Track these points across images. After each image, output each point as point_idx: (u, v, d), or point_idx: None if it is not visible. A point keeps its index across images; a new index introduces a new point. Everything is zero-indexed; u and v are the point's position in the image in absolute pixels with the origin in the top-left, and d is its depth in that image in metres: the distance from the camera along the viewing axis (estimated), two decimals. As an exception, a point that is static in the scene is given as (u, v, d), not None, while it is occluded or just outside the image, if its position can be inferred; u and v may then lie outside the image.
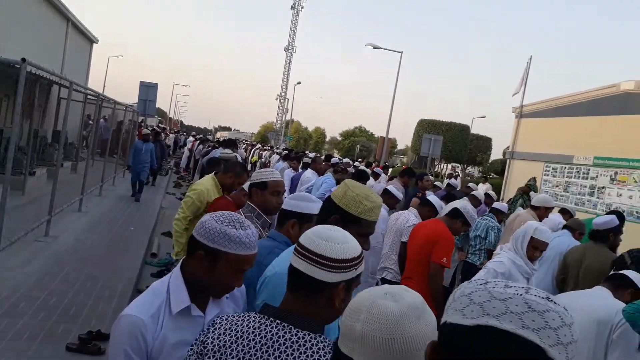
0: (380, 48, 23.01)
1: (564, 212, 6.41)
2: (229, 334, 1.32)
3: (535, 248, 3.57)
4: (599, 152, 14.93)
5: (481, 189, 7.18)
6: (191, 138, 21.35)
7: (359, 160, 25.39)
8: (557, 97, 17.54)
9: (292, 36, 61.41)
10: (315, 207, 2.24)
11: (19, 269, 5.48)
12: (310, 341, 1.27)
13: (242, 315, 1.37)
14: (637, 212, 13.30)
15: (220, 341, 1.31)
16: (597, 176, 14.94)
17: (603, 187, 14.61)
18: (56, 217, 7.31)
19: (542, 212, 5.94)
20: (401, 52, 23.27)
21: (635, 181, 13.56)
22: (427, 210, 4.91)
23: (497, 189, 20.03)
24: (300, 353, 1.25)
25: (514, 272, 3.51)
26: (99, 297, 5.08)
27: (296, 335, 1.27)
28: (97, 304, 4.89)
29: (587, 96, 16.00)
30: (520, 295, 0.76)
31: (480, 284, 0.80)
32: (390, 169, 18.11)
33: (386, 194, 5.34)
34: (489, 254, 5.77)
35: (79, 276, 5.56)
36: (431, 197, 5.22)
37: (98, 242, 7.15)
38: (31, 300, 4.69)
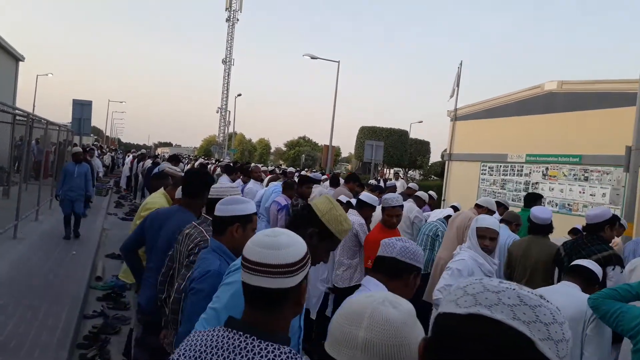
0: (318, 58, 23.31)
1: (498, 205, 6.72)
2: (194, 349, 1.32)
3: (483, 237, 3.59)
4: (530, 150, 15.79)
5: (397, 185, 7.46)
6: (130, 156, 20.69)
7: (306, 169, 25.51)
8: (488, 99, 18.42)
9: (229, 48, 60.93)
10: (250, 206, 2.34)
11: (-50, 304, 5.12)
12: (274, 352, 1.26)
13: (209, 330, 1.37)
14: (568, 204, 14.17)
15: (185, 357, 1.32)
16: (530, 172, 15.80)
17: (536, 183, 15.46)
18: (-12, 246, 6.88)
19: (484, 212, 6.22)
20: (338, 62, 23.70)
21: (565, 175, 14.46)
22: (368, 211, 5.11)
23: (439, 190, 20.75)
24: None
25: (476, 271, 3.51)
26: (42, 327, 4.83)
27: (258, 346, 1.26)
28: (39, 334, 4.65)
29: (516, 97, 16.92)
30: (513, 289, 0.78)
31: (476, 279, 0.83)
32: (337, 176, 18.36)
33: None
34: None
35: (18, 307, 5.26)
36: (363, 195, 5.36)
37: (37, 269, 6.79)
38: (-34, 336, 4.40)
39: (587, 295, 2.86)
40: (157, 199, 4.23)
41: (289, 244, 1.32)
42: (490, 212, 6.20)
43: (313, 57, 23.22)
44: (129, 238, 3.51)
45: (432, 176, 27.97)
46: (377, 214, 6.26)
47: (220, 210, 2.29)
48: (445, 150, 20.83)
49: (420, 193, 7.63)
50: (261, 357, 1.25)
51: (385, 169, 36.03)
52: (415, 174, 40.08)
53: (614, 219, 4.53)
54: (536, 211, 4.73)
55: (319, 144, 63.08)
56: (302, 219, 2.01)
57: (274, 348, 1.26)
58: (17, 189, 8.90)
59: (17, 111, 9.36)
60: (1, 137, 9.48)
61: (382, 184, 11.00)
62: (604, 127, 12.89)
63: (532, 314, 0.74)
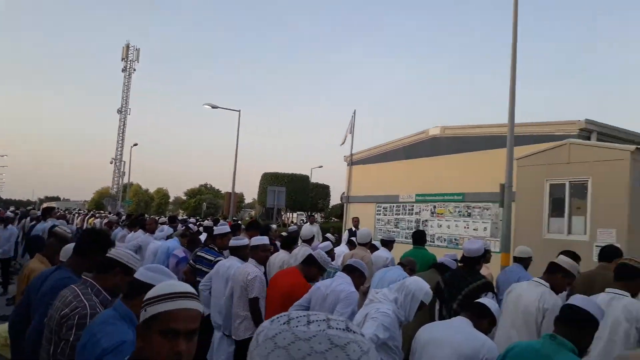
0: (218, 107, 23.39)
1: (386, 243, 7.20)
2: None
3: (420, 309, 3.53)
4: (419, 190, 16.92)
5: (311, 230, 7.63)
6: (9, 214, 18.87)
7: (208, 218, 24.95)
8: (380, 145, 19.59)
9: (125, 98, 59.14)
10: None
11: None
12: None
13: None
14: (455, 239, 15.26)
15: None
16: (420, 211, 16.87)
17: (426, 220, 16.53)
18: None
19: (369, 247, 6.63)
20: (239, 111, 23.97)
21: (451, 212, 15.63)
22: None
23: (339, 231, 21.36)
24: None
25: (397, 326, 3.47)
26: None
27: None
28: None
29: (405, 142, 18.19)
30: (323, 331, 0.78)
31: (283, 323, 0.81)
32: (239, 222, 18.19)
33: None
34: None
35: None
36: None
37: None
38: None
39: (481, 334, 2.97)
40: (32, 265, 3.92)
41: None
42: (373, 246, 6.63)
43: (213, 107, 23.23)
44: (14, 313, 3.16)
45: (333, 218, 28.74)
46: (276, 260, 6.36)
47: (143, 274, 2.12)
48: (343, 193, 21.60)
49: (329, 235, 7.87)
50: None
51: (288, 213, 36.36)
52: (317, 216, 41.02)
53: (487, 252, 5.08)
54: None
55: (222, 191, 62.19)
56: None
57: None
58: None
59: None
60: None
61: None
62: (482, 167, 14.23)
63: (343, 355, 0.76)
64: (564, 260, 3.99)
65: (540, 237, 9.10)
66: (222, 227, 6.31)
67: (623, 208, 8.03)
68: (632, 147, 8.34)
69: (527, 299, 3.82)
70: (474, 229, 14.74)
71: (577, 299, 2.50)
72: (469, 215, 14.98)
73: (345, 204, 21.21)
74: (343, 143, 20.96)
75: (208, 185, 71.69)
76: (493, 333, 3.79)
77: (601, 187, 8.38)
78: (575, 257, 5.13)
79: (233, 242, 5.39)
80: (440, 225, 15.98)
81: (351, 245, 7.83)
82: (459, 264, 5.18)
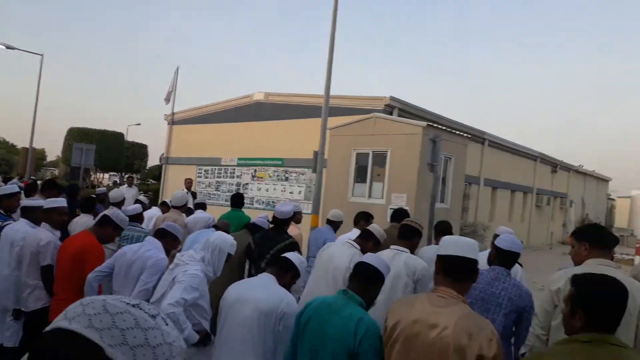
0: (16, 49, 20.13)
1: (201, 206, 7.19)
2: None
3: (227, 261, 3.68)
4: (241, 154, 17.05)
5: (121, 192, 7.19)
6: None
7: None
8: (204, 106, 19.07)
9: None
10: None
11: None
12: None
13: None
14: (272, 202, 15.84)
15: None
16: (241, 175, 17.07)
17: (247, 184, 16.81)
18: None
19: (184, 210, 6.57)
20: (42, 55, 20.95)
21: (270, 176, 16.14)
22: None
23: (156, 193, 20.52)
24: None
25: (206, 284, 3.51)
26: None
27: None
28: None
29: (229, 105, 18.01)
30: (103, 300, 0.78)
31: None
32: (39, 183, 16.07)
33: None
34: None
35: None
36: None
37: None
38: None
39: (282, 290, 3.11)
40: None
41: None
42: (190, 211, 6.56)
43: (9, 47, 19.94)
44: None
45: (151, 180, 27.33)
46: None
47: None
48: (162, 154, 20.65)
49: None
50: None
51: (99, 174, 33.41)
52: (133, 178, 38.58)
53: (296, 213, 5.42)
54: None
55: (17, 146, 54.29)
56: None
57: None
58: None
59: None
60: None
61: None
62: (301, 135, 14.90)
63: (109, 321, 0.75)
64: (377, 229, 4.44)
65: (346, 200, 9.99)
66: (9, 187, 5.53)
67: (413, 176, 9.25)
68: (424, 123, 9.59)
69: (339, 259, 4.16)
70: (290, 192, 15.49)
71: (367, 257, 2.82)
72: (287, 179, 15.66)
73: (164, 166, 20.32)
74: (167, 100, 19.86)
75: (1, 139, 61.88)
76: (311, 289, 4.08)
77: (397, 158, 9.51)
78: (368, 217, 5.80)
79: (25, 202, 4.81)
80: (260, 189, 16.41)
81: (165, 207, 7.59)
82: (271, 225, 5.42)
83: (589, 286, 1.88)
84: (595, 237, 2.91)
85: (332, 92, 10.94)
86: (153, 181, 26.37)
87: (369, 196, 9.96)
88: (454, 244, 2.14)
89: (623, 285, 1.88)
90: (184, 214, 6.72)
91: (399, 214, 5.67)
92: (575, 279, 1.95)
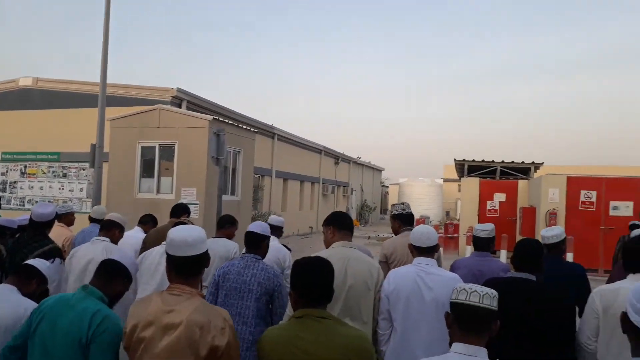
0: None
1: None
2: None
3: None
4: (7, 148, 14.79)
5: None
6: None
7: None
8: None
9: None
10: None
11: None
12: None
13: None
14: (49, 201, 14.13)
15: None
16: (7, 171, 14.82)
17: (15, 182, 14.67)
18: None
19: None
20: None
21: (45, 173, 14.35)
22: None
23: None
24: None
25: None
26: None
27: None
28: None
29: (-12, 90, 15.40)
30: None
31: None
32: None
33: None
34: None
35: None
36: None
37: None
38: None
39: (26, 300, 2.81)
40: None
41: None
42: None
43: None
44: None
45: None
46: None
47: None
48: None
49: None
50: None
51: None
52: None
53: (66, 214, 5.03)
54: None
55: None
56: None
57: None
58: None
59: None
60: None
61: None
62: (78, 126, 13.54)
63: None
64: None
65: (132, 197, 9.49)
66: None
67: (202, 170, 9.25)
68: (210, 117, 9.66)
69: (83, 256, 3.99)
70: (69, 190, 14.04)
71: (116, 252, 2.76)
72: (65, 175, 14.14)
73: None
74: None
75: None
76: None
77: (186, 151, 9.39)
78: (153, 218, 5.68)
79: None
80: (32, 187, 14.48)
81: None
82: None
83: (295, 269, 2.20)
84: (338, 222, 3.35)
85: (115, 81, 10.26)
86: None
87: (158, 191, 9.64)
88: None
89: (326, 266, 2.20)
90: None
91: (178, 209, 5.65)
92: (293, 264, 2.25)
